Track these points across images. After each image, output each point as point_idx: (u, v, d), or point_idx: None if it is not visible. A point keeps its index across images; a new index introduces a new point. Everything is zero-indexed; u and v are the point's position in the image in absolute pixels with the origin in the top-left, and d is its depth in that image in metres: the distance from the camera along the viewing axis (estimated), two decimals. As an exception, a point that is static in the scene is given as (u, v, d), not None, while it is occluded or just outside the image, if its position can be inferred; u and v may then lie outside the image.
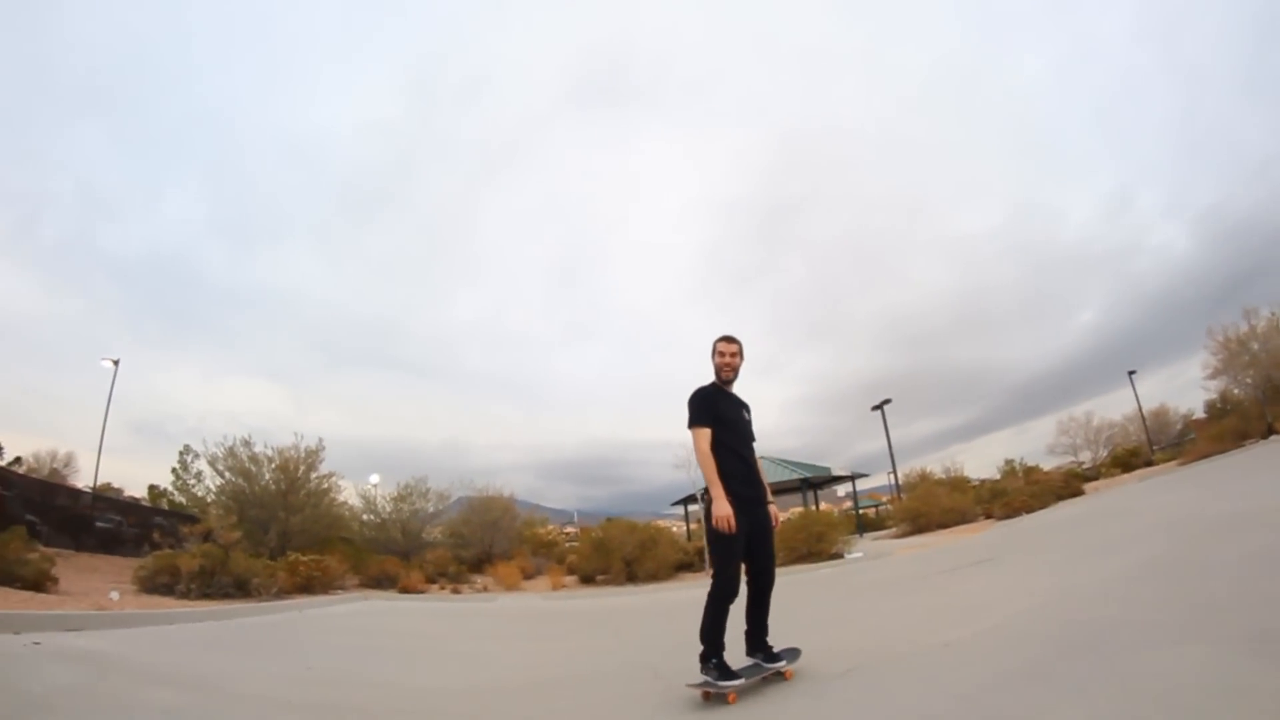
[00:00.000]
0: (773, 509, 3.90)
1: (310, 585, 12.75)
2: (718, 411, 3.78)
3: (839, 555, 15.21)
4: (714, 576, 3.57)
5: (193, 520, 14.66)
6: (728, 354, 3.93)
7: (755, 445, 4.00)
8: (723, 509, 3.48)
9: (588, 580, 17.13)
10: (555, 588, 16.31)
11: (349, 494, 21.30)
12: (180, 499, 20.69)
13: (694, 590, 12.89)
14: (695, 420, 3.73)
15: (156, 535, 12.03)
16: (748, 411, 4.02)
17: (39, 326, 50.44)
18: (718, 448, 3.69)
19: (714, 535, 3.56)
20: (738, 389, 4.06)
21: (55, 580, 8.51)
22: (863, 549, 16.49)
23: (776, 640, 3.88)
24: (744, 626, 3.80)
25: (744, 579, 3.70)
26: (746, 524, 3.60)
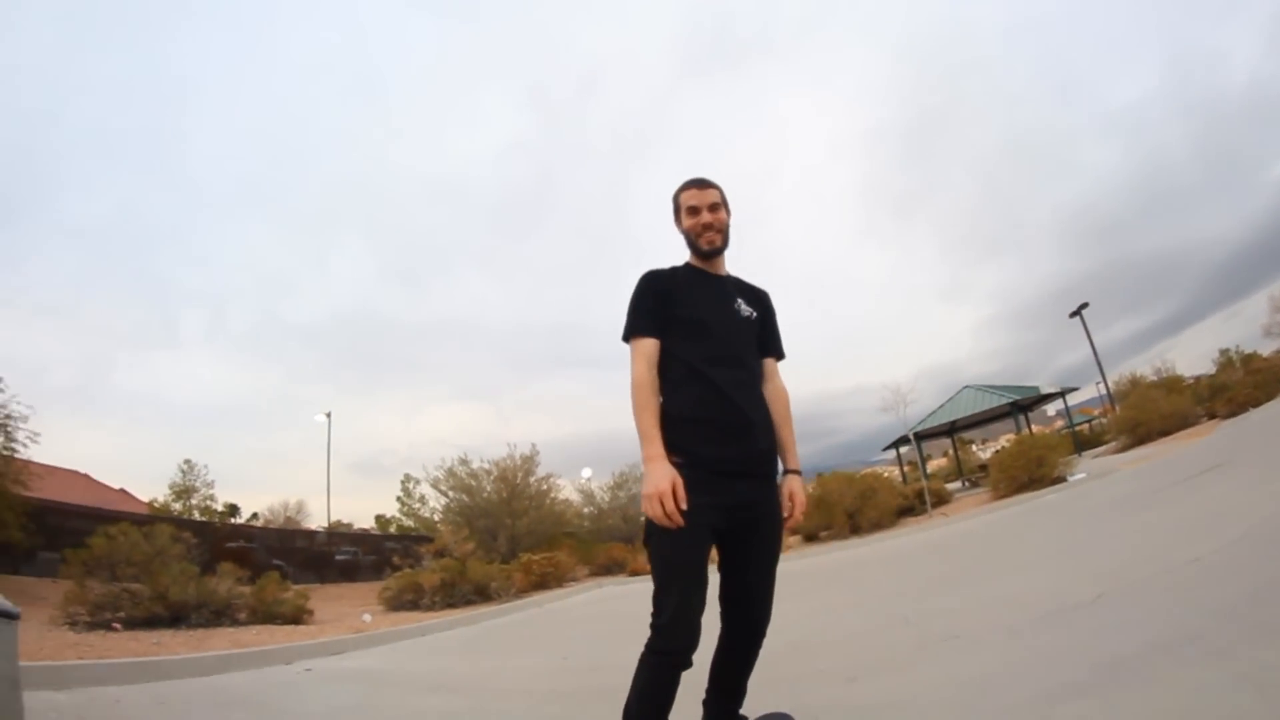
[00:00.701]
0: (792, 488, 2.01)
1: (545, 581, 13.45)
2: (673, 307, 2.01)
3: (1062, 479, 13.89)
4: (653, 616, 1.80)
5: (426, 540, 15.76)
6: (702, 207, 2.09)
7: (779, 371, 2.21)
8: (652, 481, 1.73)
9: (810, 538, 16.53)
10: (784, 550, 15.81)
11: (567, 491, 22.58)
12: (409, 523, 22.65)
13: (921, 534, 12.29)
14: (629, 327, 2.01)
15: (395, 559, 12.97)
16: (755, 305, 2.17)
17: (249, 399, 58.89)
18: (669, 370, 1.97)
19: (646, 534, 1.86)
20: (739, 271, 2.25)
21: (310, 612, 9.21)
22: (1084, 469, 15.04)
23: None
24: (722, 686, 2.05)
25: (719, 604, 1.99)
26: (716, 515, 1.82)
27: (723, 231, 2.10)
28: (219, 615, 7.84)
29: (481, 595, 11.35)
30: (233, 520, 27.20)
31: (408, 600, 10.99)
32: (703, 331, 1.97)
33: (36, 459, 11.12)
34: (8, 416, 10.01)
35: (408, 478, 22.80)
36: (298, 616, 8.72)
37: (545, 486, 20.11)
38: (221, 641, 6.50)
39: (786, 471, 2.04)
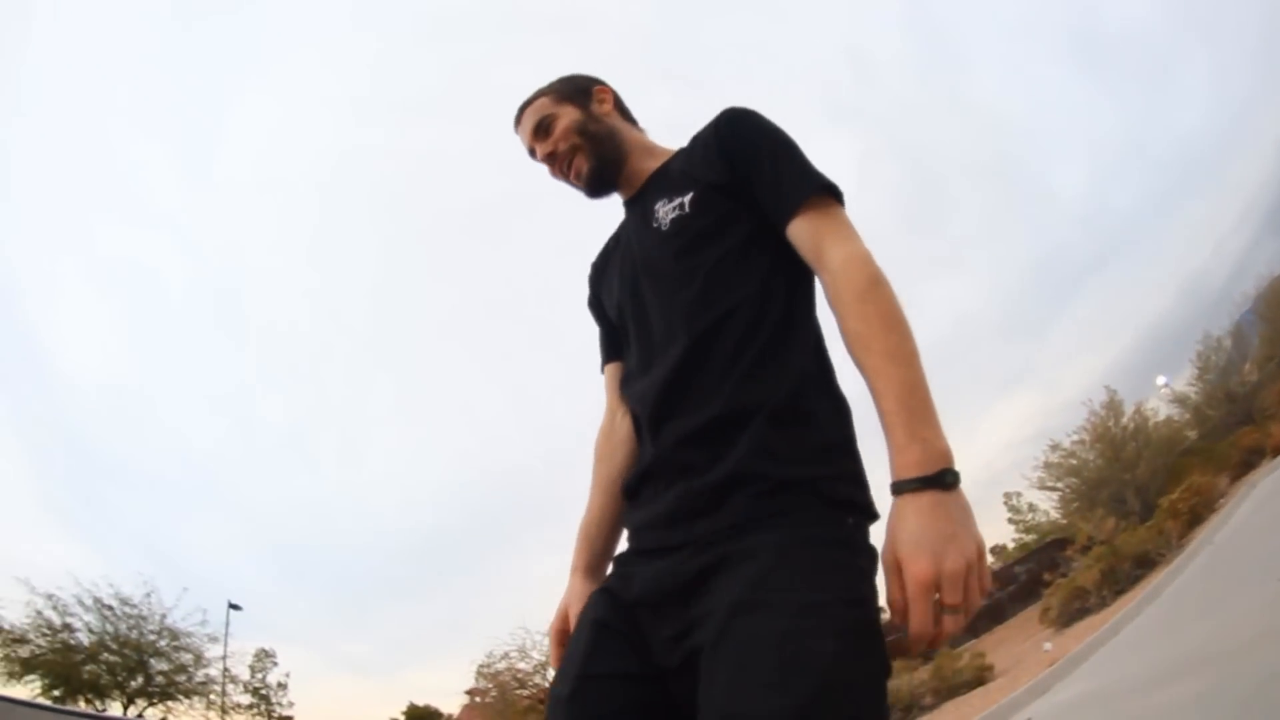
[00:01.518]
0: (895, 540, 0.75)
1: (1197, 514, 11.28)
2: (602, 307, 1.25)
3: None
4: None
5: (1060, 545, 14.54)
6: (533, 145, 1.18)
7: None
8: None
9: None
10: None
11: (1157, 412, 19.17)
12: (1028, 538, 21.41)
13: None
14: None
15: (1046, 575, 12.27)
16: (689, 179, 1.05)
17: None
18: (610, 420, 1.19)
19: None
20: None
21: (990, 667, 8.97)
22: None
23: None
24: None
25: None
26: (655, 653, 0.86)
27: (577, 148, 1.13)
28: (907, 712, 8.10)
29: (1143, 565, 9.83)
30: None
31: (1075, 609, 10.06)
32: (624, 332, 1.13)
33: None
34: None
35: (1009, 495, 22.04)
36: (980, 677, 8.53)
37: (1134, 424, 17.20)
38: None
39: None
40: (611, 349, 1.21)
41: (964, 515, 0.72)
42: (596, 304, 1.26)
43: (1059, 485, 18.08)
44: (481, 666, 20.27)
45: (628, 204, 1.17)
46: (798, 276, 0.98)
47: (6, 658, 18.55)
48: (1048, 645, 8.84)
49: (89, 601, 18.88)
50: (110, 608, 19.07)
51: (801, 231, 0.92)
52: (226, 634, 20.05)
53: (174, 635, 19.37)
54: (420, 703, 31.58)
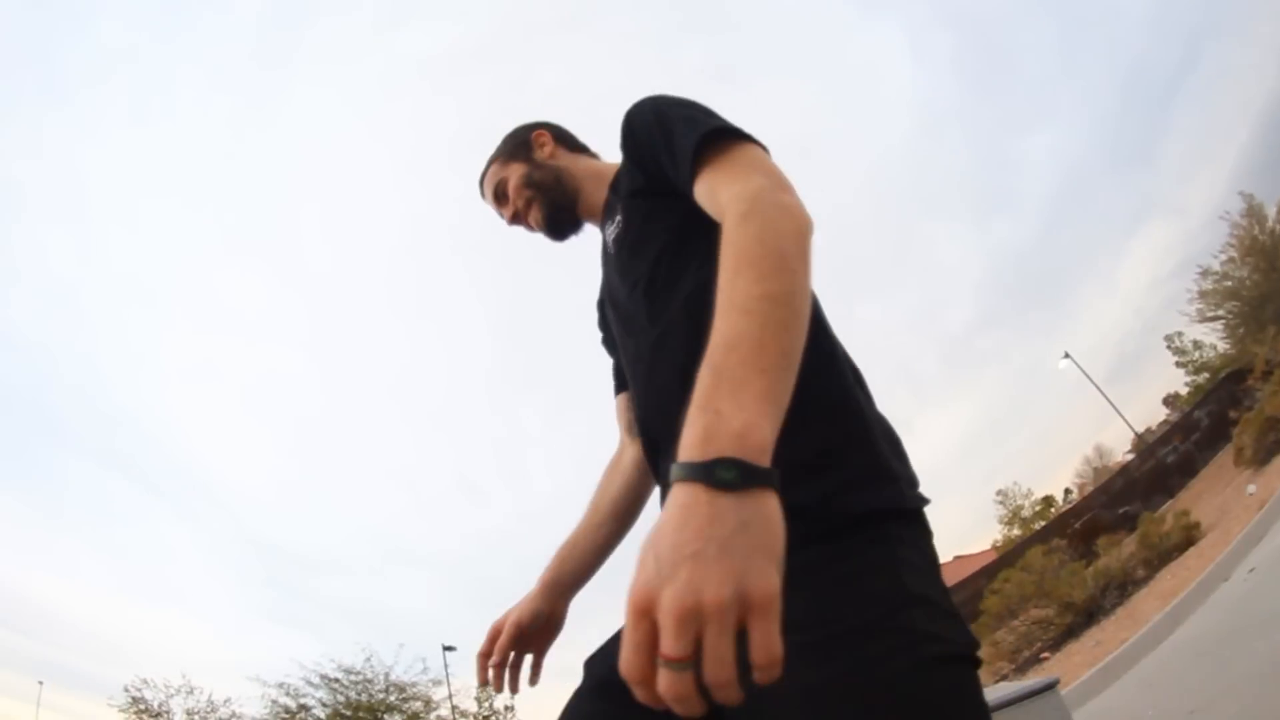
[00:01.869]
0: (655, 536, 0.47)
1: None
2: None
3: None
4: None
5: (1237, 376, 13.43)
6: (495, 207, 1.24)
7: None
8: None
9: None
10: None
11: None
12: (1200, 379, 19.58)
13: None
14: None
15: (1230, 413, 11.23)
16: (620, 187, 1.05)
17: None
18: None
19: None
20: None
21: (1196, 524, 8.55)
22: None
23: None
24: None
25: None
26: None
27: (530, 200, 1.16)
28: (1122, 589, 8.14)
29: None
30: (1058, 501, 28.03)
31: (1270, 443, 9.55)
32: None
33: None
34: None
35: (1169, 338, 20.30)
36: (1189, 537, 8.41)
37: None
38: (1149, 605, 6.69)
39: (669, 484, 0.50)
40: (620, 380, 1.19)
41: (733, 534, 0.44)
42: (605, 336, 1.23)
43: (1219, 313, 17.03)
44: None
45: (601, 227, 1.13)
46: None
47: None
48: (1251, 488, 8.59)
49: (316, 680, 19.96)
50: (337, 680, 20.13)
51: (701, 192, 0.79)
52: (447, 675, 21.01)
53: (400, 689, 20.43)
54: None
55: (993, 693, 2.55)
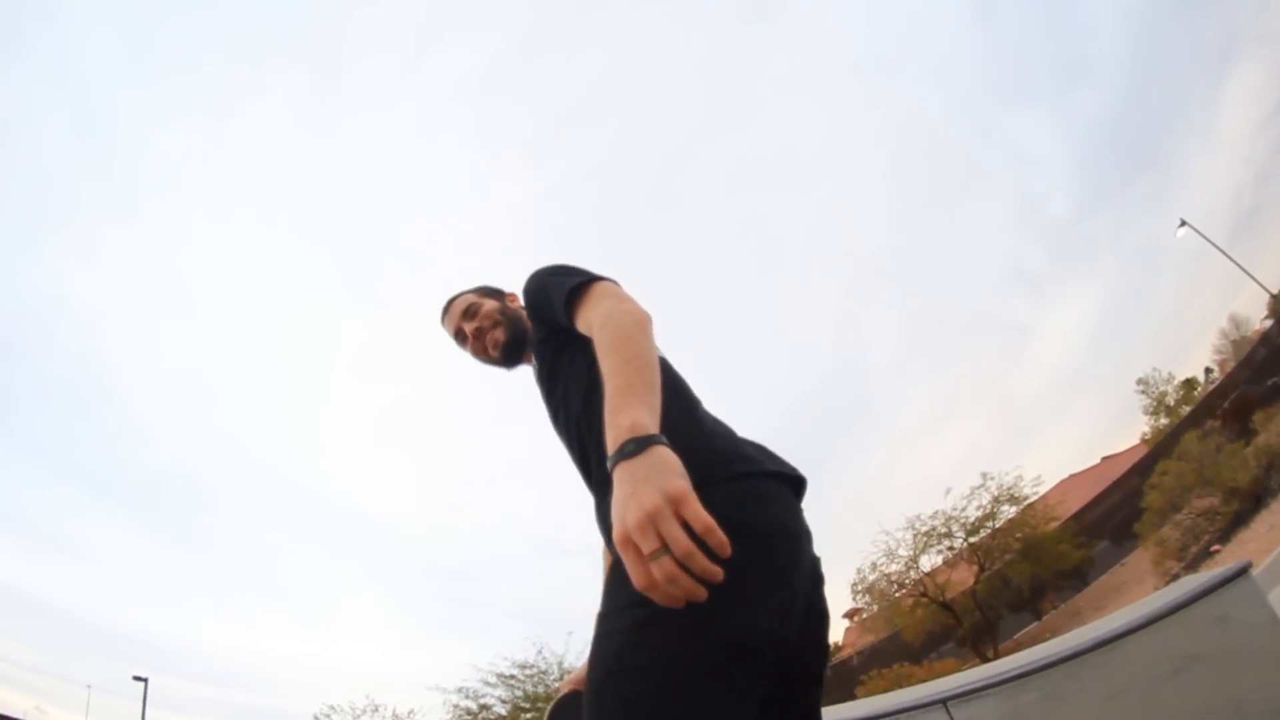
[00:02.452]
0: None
1: None
2: None
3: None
4: None
5: None
6: (460, 326, 1.58)
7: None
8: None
9: None
10: None
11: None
12: None
13: None
14: None
15: None
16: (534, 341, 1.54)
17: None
18: None
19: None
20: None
21: None
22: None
23: None
24: None
25: None
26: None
27: (497, 323, 1.51)
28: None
29: None
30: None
31: None
32: None
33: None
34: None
35: None
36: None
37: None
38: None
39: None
40: None
41: (647, 471, 0.74)
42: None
43: None
44: (854, 585, 20.90)
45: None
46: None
47: None
48: None
49: (493, 679, 20.61)
50: (512, 676, 20.70)
51: (579, 324, 1.16)
52: None
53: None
54: None
55: (1177, 588, 2.63)
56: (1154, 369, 27.44)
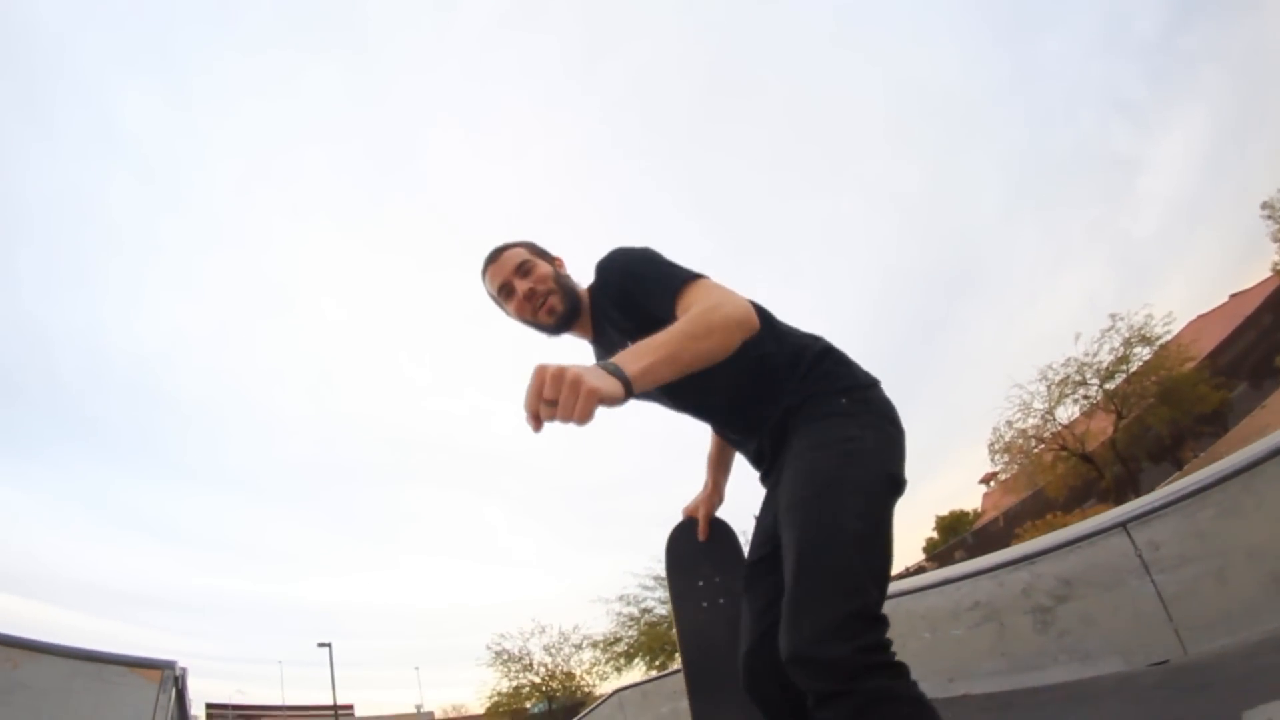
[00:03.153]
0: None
1: None
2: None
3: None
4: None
5: None
6: (510, 280, 1.57)
7: None
8: None
9: None
10: None
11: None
12: None
13: None
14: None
15: None
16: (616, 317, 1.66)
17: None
18: None
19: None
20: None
21: None
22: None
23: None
24: None
25: None
26: None
27: (553, 292, 1.54)
28: None
29: None
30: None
31: None
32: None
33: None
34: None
35: None
36: None
37: None
38: None
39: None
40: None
41: (600, 375, 1.00)
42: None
43: None
44: (991, 445, 21.27)
45: (594, 341, 1.65)
46: None
47: (611, 658, 24.08)
48: None
49: (650, 582, 22.89)
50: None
51: (679, 310, 1.34)
52: None
53: None
54: (943, 512, 34.46)
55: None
56: (1280, 189, 25.01)
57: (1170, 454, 20.03)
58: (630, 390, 1.04)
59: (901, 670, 1.07)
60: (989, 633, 3.42)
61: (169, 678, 2.62)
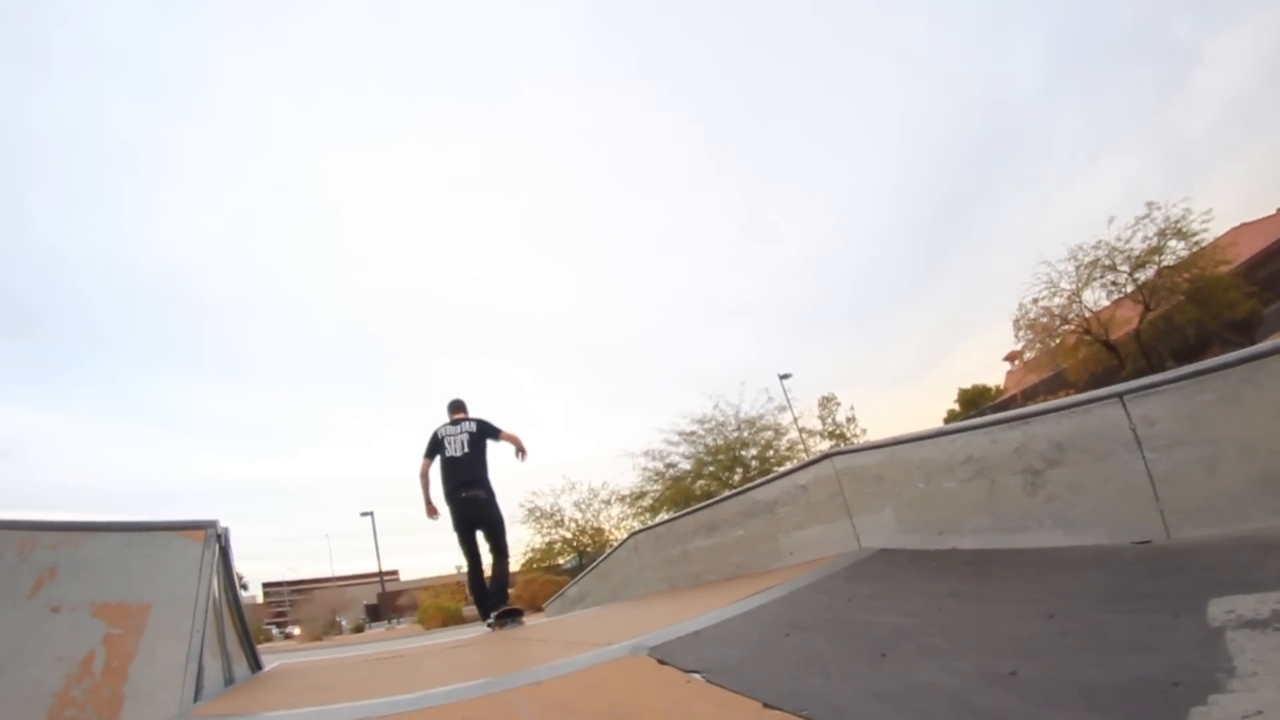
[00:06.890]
0: None
1: None
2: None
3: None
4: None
5: None
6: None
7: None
8: None
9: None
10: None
11: None
12: None
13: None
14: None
15: None
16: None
17: None
18: None
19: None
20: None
21: None
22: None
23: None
24: None
25: None
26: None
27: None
28: None
29: None
30: None
31: None
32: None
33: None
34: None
35: None
36: None
37: None
38: None
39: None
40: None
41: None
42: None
43: None
44: (1016, 320, 20.85)
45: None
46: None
47: (637, 512, 24.43)
48: None
49: (675, 438, 23.41)
50: (693, 432, 23.07)
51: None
52: (788, 400, 24.04)
53: (750, 423, 22.82)
54: (966, 385, 34.87)
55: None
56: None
57: (1194, 356, 19.56)
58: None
59: None
60: (979, 488, 3.52)
61: (212, 535, 2.96)
